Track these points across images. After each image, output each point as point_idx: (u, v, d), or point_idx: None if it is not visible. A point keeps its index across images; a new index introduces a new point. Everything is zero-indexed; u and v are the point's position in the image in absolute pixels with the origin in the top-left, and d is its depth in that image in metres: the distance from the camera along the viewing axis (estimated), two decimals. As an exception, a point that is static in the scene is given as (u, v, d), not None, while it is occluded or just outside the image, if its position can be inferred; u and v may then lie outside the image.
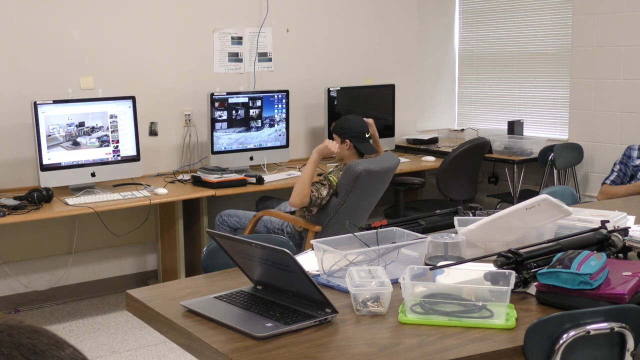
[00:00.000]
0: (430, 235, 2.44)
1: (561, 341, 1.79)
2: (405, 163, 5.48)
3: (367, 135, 4.19)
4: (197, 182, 4.70)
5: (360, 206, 4.17)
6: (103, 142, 4.53)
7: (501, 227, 2.44)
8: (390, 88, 5.91)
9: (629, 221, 2.70)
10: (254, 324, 1.91)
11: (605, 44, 5.26)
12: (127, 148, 4.63)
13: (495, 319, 1.91)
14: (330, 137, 4.25)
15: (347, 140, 4.13)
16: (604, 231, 2.34)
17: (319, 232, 4.06)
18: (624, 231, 2.39)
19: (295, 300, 2.03)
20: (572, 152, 5.44)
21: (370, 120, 4.45)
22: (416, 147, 6.00)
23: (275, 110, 5.25)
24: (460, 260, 2.21)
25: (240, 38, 5.37)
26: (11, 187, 4.48)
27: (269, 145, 5.25)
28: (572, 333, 1.79)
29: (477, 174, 5.58)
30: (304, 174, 4.04)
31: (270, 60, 5.51)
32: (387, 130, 5.81)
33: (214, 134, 4.99)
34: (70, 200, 4.21)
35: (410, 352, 1.78)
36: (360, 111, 5.66)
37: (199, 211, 4.80)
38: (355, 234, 2.42)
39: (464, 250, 2.39)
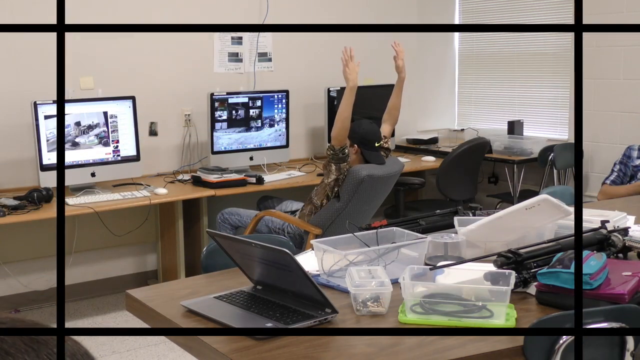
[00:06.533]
0: (430, 235, 2.44)
1: (561, 341, 1.79)
2: (406, 163, 5.47)
3: (376, 144, 4.13)
4: (197, 182, 4.70)
5: (362, 210, 4.15)
6: (102, 139, 4.53)
7: (501, 227, 2.44)
8: (390, 88, 5.88)
9: (629, 221, 2.70)
10: (254, 324, 1.91)
11: (605, 44, 5.26)
12: (127, 148, 4.63)
13: (495, 319, 1.91)
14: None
15: (355, 145, 4.09)
16: (604, 231, 2.34)
17: (320, 235, 4.04)
18: (624, 231, 2.39)
19: (295, 300, 2.03)
20: (572, 152, 5.43)
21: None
22: (416, 147, 5.99)
23: (275, 110, 5.25)
24: (460, 260, 2.21)
25: (240, 38, 5.37)
26: (11, 187, 4.48)
27: (269, 145, 5.25)
28: (572, 333, 1.80)
29: (477, 174, 5.58)
30: (343, 106, 3.88)
31: (270, 60, 5.51)
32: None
33: (214, 134, 4.99)
34: (70, 200, 4.21)
35: (410, 352, 1.78)
36: (360, 111, 5.65)
37: (199, 211, 4.79)
38: (355, 234, 2.42)
39: (464, 250, 2.39)
